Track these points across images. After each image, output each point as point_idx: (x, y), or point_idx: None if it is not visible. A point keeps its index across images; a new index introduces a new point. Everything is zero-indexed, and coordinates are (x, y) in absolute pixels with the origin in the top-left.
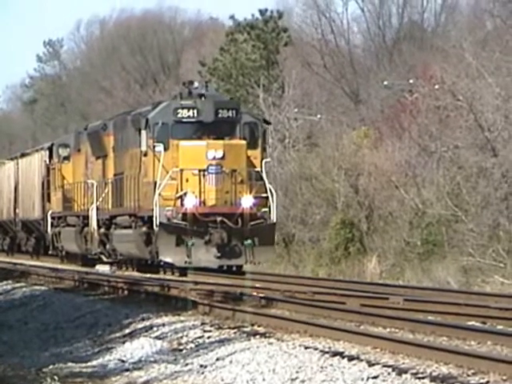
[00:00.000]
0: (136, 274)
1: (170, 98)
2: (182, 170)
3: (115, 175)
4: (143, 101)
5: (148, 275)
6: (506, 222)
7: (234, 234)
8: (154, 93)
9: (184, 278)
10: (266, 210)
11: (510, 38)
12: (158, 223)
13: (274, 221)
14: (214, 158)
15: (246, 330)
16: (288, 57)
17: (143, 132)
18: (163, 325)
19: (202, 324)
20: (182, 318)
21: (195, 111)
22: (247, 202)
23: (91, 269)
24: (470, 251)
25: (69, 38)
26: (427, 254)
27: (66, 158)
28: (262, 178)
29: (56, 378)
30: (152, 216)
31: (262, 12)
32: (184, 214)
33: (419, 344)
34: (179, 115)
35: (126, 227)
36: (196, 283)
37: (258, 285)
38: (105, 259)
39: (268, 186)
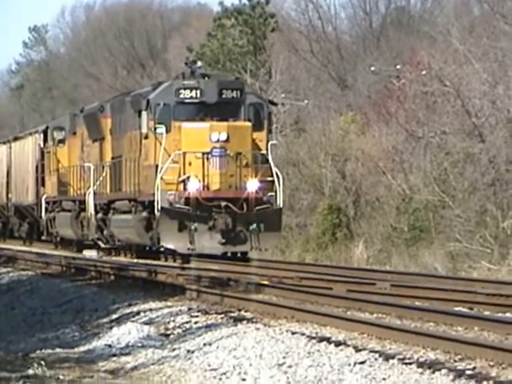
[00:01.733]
0: (123, 259)
1: (171, 78)
2: (184, 153)
3: (113, 158)
4: (130, 86)
5: (135, 260)
6: (493, 207)
7: (238, 220)
8: (141, 78)
9: (173, 264)
10: (273, 194)
11: (497, 23)
12: (159, 208)
13: (281, 205)
14: (218, 141)
15: (232, 315)
16: (275, 42)
17: (144, 113)
18: (150, 310)
19: (189, 309)
20: (169, 304)
21: (198, 92)
22: (252, 186)
23: (78, 254)
24: (457, 237)
25: (54, 24)
26: (414, 240)
27: (61, 141)
28: (267, 161)
29: (43, 363)
30: (153, 201)
31: None
32: (187, 199)
33: (406, 330)
34: (181, 96)
35: (125, 212)
36: (183, 268)
37: (246, 270)
38: (102, 245)
39: (274, 169)
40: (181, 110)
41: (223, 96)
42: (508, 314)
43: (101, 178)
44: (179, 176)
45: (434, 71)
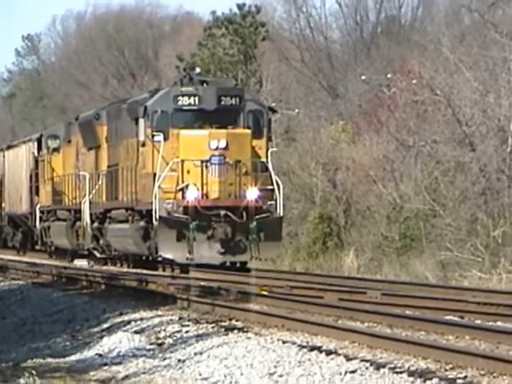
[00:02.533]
0: (113, 268)
1: (169, 85)
2: (182, 161)
3: (109, 167)
4: (121, 95)
5: (125, 270)
6: (484, 216)
7: (238, 229)
8: (132, 87)
9: (163, 273)
10: (273, 202)
11: (487, 32)
12: (157, 217)
13: (281, 214)
14: (217, 148)
15: (223, 324)
16: (266, 51)
17: (141, 121)
18: (141, 319)
19: (180, 319)
20: (159, 313)
21: (196, 98)
22: (252, 194)
23: (69, 263)
24: (447, 246)
25: (45, 33)
26: (405, 249)
27: (56, 150)
28: (267, 169)
29: (34, 372)
30: (151, 210)
31: (239, 7)
32: (185, 208)
33: (397, 338)
34: (179, 103)
35: (121, 221)
36: (174, 277)
37: (236, 279)
38: (98, 255)
39: (274, 177)
40: (179, 117)
41: (222, 103)
42: (499, 323)
43: (97, 187)
44: (177, 184)
45: (424, 80)
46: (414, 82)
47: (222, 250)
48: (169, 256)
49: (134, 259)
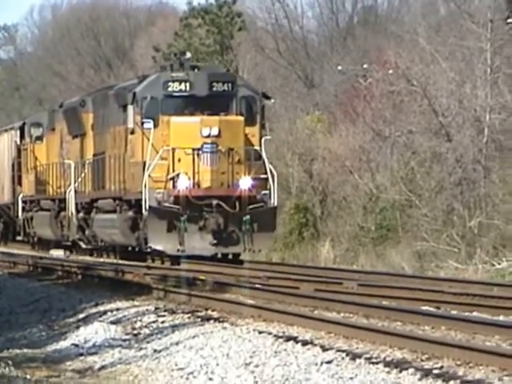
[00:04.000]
0: (89, 258)
1: (158, 71)
2: (173, 149)
3: (95, 155)
4: (97, 85)
5: (101, 260)
6: (460, 206)
7: (231, 219)
8: (108, 77)
9: (139, 263)
10: (266, 192)
11: (463, 22)
12: (147, 207)
13: (275, 204)
14: (209, 136)
15: (199, 314)
16: (242, 42)
17: (130, 107)
18: (117, 310)
19: (156, 309)
20: (136, 303)
21: (187, 84)
22: (245, 183)
23: (45, 253)
24: (424, 236)
25: (22, 24)
26: (381, 239)
27: (39, 138)
28: (260, 158)
29: (10, 362)
30: (140, 199)
31: None
32: (176, 197)
33: (373, 329)
34: (170, 89)
35: (109, 211)
36: (149, 268)
37: (212, 270)
38: (84, 246)
39: (268, 166)
40: (169, 103)
41: (214, 89)
42: (475, 314)
43: (82, 176)
44: (168, 173)
45: (400, 70)
46: (390, 72)
47: (214, 242)
48: (159, 247)
49: (121, 250)
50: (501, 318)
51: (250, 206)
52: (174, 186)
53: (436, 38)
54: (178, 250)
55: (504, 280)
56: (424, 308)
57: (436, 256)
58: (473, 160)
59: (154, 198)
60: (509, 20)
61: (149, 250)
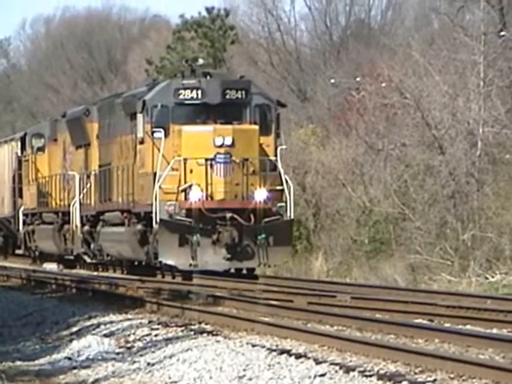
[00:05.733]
0: (83, 271)
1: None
2: (185, 160)
3: (100, 166)
4: (90, 98)
5: (95, 273)
6: (454, 219)
7: (245, 233)
8: (101, 90)
9: (132, 276)
10: (282, 204)
11: (457, 35)
12: (157, 220)
13: (292, 217)
14: (223, 146)
15: (193, 327)
16: (235, 55)
17: (139, 116)
18: (111, 323)
19: (150, 322)
20: (129, 316)
21: (199, 92)
22: (260, 195)
23: (38, 267)
24: (417, 249)
25: (15, 37)
26: (374, 252)
27: (41, 149)
28: (276, 169)
29: (3, 375)
30: (150, 212)
31: (209, 10)
32: (188, 210)
33: (366, 342)
34: (181, 96)
35: (116, 224)
36: (143, 281)
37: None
38: (88, 260)
39: (284, 177)
40: (180, 112)
41: (227, 96)
42: (468, 326)
43: (87, 187)
44: (179, 185)
45: (393, 83)
46: (384, 85)
47: (228, 256)
48: (170, 262)
49: (128, 265)
50: (494, 330)
51: (266, 219)
52: (185, 198)
53: (429, 51)
54: (191, 265)
55: (497, 293)
56: (417, 321)
57: (429, 269)
58: (466, 173)
59: (164, 210)
60: (502, 33)
61: (158, 265)
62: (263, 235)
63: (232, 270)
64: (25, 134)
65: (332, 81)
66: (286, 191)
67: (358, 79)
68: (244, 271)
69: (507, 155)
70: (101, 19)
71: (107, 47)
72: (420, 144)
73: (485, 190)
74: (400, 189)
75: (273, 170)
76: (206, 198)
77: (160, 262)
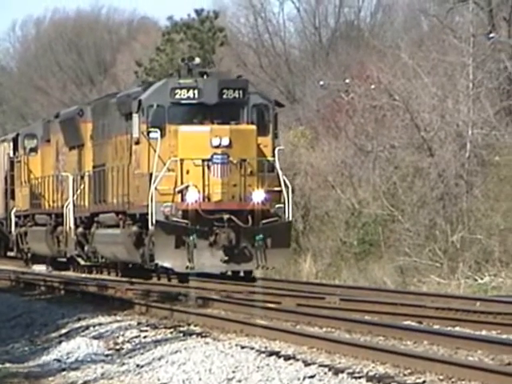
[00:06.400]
0: (72, 273)
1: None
2: (181, 160)
3: (95, 167)
4: (79, 100)
5: (84, 275)
6: (443, 221)
7: (243, 235)
8: (90, 92)
9: (121, 278)
10: (281, 205)
11: (445, 37)
12: (154, 222)
13: (290, 219)
14: (220, 146)
15: (182, 329)
16: (224, 57)
17: (135, 116)
18: (100, 325)
19: (139, 324)
20: (118, 318)
21: (196, 91)
22: (258, 196)
23: (28, 269)
24: (406, 251)
25: (4, 38)
26: (363, 254)
27: (33, 150)
28: (274, 169)
29: None
30: (146, 213)
31: (198, 12)
32: (185, 211)
33: (356, 344)
34: (177, 96)
35: (111, 226)
36: (131, 283)
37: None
38: (82, 262)
39: (282, 178)
40: (177, 111)
41: (224, 96)
42: (457, 328)
43: (81, 188)
44: (176, 186)
45: (383, 85)
46: (373, 87)
47: (226, 258)
48: (166, 264)
49: (123, 267)
50: (483, 332)
51: (264, 221)
52: (182, 200)
53: (418, 52)
54: (187, 267)
55: (486, 295)
56: (406, 323)
57: (418, 271)
58: (455, 175)
59: (161, 212)
60: (491, 35)
61: (153, 267)
62: (261, 237)
63: (229, 273)
64: (17, 135)
65: (321, 82)
66: (285, 192)
67: (347, 81)
68: (241, 273)
69: (496, 157)
70: (90, 21)
71: (96, 49)
72: (409, 146)
73: (474, 192)
74: (389, 190)
75: (271, 171)
76: (203, 200)
77: (156, 265)
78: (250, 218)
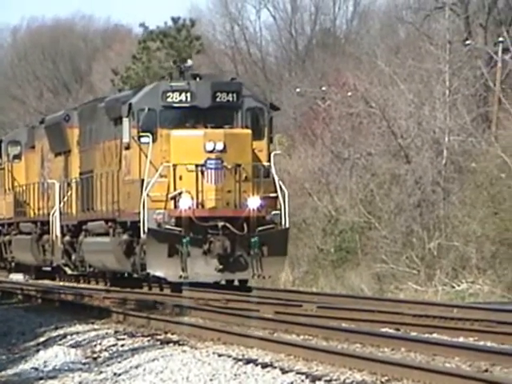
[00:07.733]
0: (49, 282)
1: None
2: (174, 166)
3: (82, 174)
4: (56, 109)
5: (61, 283)
6: (420, 228)
7: (238, 242)
8: (67, 101)
9: (98, 287)
10: (277, 212)
11: (422, 44)
12: (145, 229)
13: (287, 226)
14: (213, 151)
15: (159, 337)
16: (201, 65)
17: (125, 120)
18: (77, 333)
19: (116, 332)
20: (95, 327)
21: (188, 95)
22: (254, 203)
23: (5, 278)
24: (383, 258)
25: None
26: (341, 261)
27: (17, 157)
28: (269, 175)
29: None
30: (137, 221)
31: (174, 20)
32: (178, 219)
33: (333, 351)
34: (169, 99)
35: (100, 234)
36: (108, 291)
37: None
38: (69, 272)
39: (278, 183)
40: (169, 115)
41: (217, 99)
42: (435, 335)
43: (68, 196)
44: (168, 192)
45: (359, 92)
46: (349, 94)
47: (220, 267)
48: (159, 274)
49: (112, 277)
50: (461, 339)
51: (259, 228)
52: (175, 206)
53: (395, 59)
54: (181, 277)
55: (463, 302)
56: (384, 330)
57: (395, 278)
58: (432, 182)
59: (153, 219)
60: (467, 42)
61: (143, 277)
62: (257, 245)
63: (223, 282)
64: (0, 142)
65: (297, 90)
66: (281, 198)
67: (323, 88)
68: (236, 283)
69: (473, 163)
70: (65, 29)
71: (71, 57)
72: (386, 153)
73: (451, 199)
74: (366, 198)
75: (266, 176)
76: (197, 206)
77: (148, 274)
78: (245, 225)
